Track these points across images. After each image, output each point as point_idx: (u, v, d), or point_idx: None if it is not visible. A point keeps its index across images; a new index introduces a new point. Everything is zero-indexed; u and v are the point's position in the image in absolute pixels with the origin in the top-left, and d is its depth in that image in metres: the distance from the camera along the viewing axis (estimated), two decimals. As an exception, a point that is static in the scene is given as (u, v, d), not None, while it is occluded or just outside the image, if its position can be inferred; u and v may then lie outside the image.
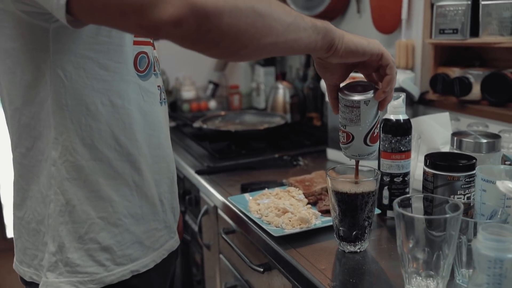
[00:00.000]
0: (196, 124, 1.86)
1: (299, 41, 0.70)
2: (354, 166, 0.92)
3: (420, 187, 1.01)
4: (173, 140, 1.87)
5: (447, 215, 0.71)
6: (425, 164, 0.95)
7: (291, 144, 1.78)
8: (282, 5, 0.69)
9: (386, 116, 1.06)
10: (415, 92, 1.52)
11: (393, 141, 1.04)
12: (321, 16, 2.00)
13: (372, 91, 0.82)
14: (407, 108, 1.08)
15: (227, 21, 0.61)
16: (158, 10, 0.58)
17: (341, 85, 0.86)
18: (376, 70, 0.83)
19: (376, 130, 0.85)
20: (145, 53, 0.90)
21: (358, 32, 1.93)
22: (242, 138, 1.78)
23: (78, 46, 0.80)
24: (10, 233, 2.82)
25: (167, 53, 2.07)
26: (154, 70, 0.94)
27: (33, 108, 0.82)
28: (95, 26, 0.78)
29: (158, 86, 0.96)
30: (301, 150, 1.71)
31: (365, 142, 0.85)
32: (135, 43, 0.87)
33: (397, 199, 0.76)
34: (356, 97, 0.82)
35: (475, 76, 1.40)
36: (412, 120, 1.09)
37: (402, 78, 1.44)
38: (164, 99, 0.99)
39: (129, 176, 0.88)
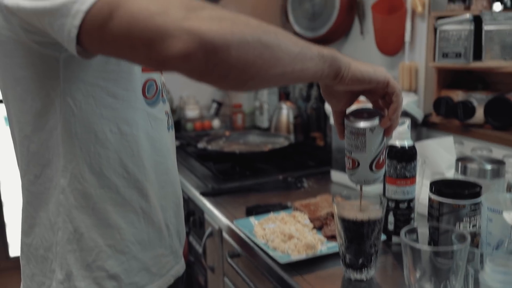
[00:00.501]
0: (201, 145, 1.87)
1: (306, 71, 0.70)
2: (360, 192, 0.92)
3: (425, 211, 1.01)
4: (177, 160, 1.87)
5: (454, 247, 0.72)
6: (431, 191, 0.96)
7: (295, 165, 1.79)
8: (288, 35, 0.69)
9: (391, 142, 1.07)
10: (419, 115, 1.53)
11: (398, 167, 1.05)
12: (324, 36, 2.02)
13: (377, 118, 0.82)
14: (411, 130, 1.09)
15: (235, 54, 0.61)
16: (167, 45, 0.59)
17: (347, 110, 0.87)
18: (382, 97, 0.83)
19: (382, 156, 0.85)
20: (153, 80, 0.91)
21: (361, 53, 1.97)
22: (246, 159, 1.79)
23: (87, 74, 0.80)
24: (13, 252, 2.81)
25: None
26: (162, 96, 0.94)
27: (42, 136, 0.83)
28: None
29: (166, 112, 0.97)
30: (305, 171, 1.72)
31: (370, 169, 0.85)
32: (144, 70, 0.88)
33: (404, 229, 0.77)
34: (362, 124, 0.82)
35: (478, 99, 1.41)
36: (416, 144, 1.09)
37: (405, 101, 1.45)
38: (171, 124, 1.00)
39: (136, 202, 0.88)
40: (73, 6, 0.63)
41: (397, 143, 1.06)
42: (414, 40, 1.63)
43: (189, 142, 2.13)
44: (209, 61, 0.60)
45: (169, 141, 0.98)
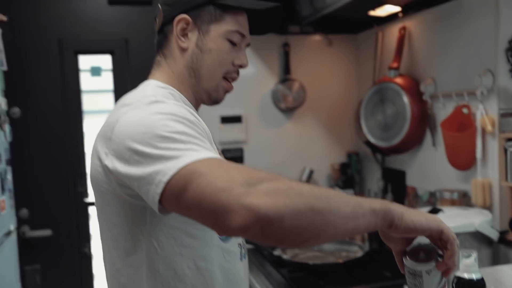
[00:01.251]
0: (276, 253, 1.93)
1: (358, 227, 0.75)
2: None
3: None
4: (253, 263, 1.95)
5: None
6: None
7: (370, 275, 1.78)
8: (340, 196, 0.75)
9: (459, 274, 1.07)
10: (493, 235, 1.50)
11: (467, 300, 1.04)
12: (397, 146, 2.07)
13: (434, 261, 0.84)
14: (486, 248, 1.07)
15: (288, 223, 0.68)
16: (229, 219, 0.68)
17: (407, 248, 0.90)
18: (439, 239, 0.86)
19: None
20: (227, 217, 1.00)
21: (434, 164, 1.98)
22: (320, 270, 1.82)
23: (169, 219, 0.92)
24: None
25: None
26: (236, 230, 1.03)
27: (130, 271, 0.94)
28: None
29: (239, 244, 1.05)
30: (380, 283, 1.70)
31: None
32: None
33: None
34: (418, 267, 0.84)
35: (556, 221, 1.38)
36: (490, 270, 1.09)
37: (478, 221, 1.44)
38: (244, 254, 1.08)
39: (210, 331, 0.95)
40: (156, 177, 0.77)
41: (465, 275, 1.06)
42: (486, 157, 1.63)
43: (265, 247, 2.19)
44: (265, 231, 0.69)
45: (242, 270, 1.05)
